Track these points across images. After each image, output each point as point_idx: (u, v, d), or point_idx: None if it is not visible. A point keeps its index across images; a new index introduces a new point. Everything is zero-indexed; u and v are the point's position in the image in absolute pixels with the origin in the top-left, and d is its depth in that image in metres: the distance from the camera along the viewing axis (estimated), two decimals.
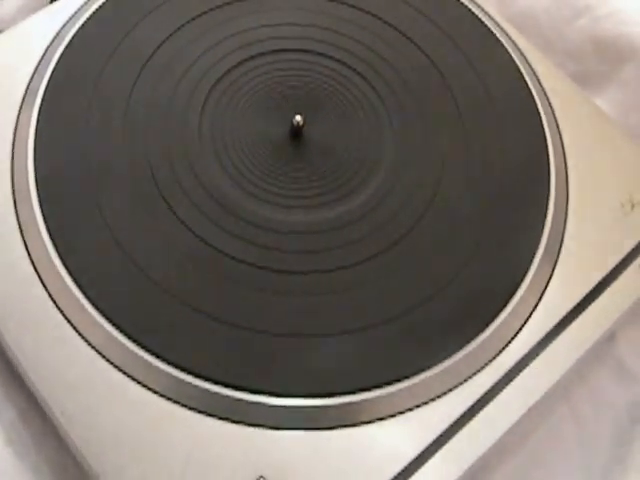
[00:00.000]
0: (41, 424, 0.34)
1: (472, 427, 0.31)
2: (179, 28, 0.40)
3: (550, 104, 0.40)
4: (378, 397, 0.31)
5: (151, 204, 0.35)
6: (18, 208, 0.34)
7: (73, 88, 0.37)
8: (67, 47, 0.38)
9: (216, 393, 0.31)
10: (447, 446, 0.31)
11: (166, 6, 0.41)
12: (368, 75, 0.40)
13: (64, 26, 0.39)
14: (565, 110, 0.40)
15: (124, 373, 0.31)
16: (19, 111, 0.37)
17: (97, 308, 0.32)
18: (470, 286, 0.34)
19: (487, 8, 0.43)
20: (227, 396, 0.31)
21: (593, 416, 0.38)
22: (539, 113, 0.39)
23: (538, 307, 0.34)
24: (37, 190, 0.34)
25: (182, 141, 0.37)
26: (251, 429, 0.30)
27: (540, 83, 0.41)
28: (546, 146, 0.38)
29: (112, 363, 0.31)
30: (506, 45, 0.42)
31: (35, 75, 0.38)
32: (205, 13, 0.41)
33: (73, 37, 0.39)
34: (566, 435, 0.37)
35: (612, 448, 0.37)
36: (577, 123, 0.40)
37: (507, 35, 0.42)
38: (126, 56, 0.39)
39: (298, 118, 0.37)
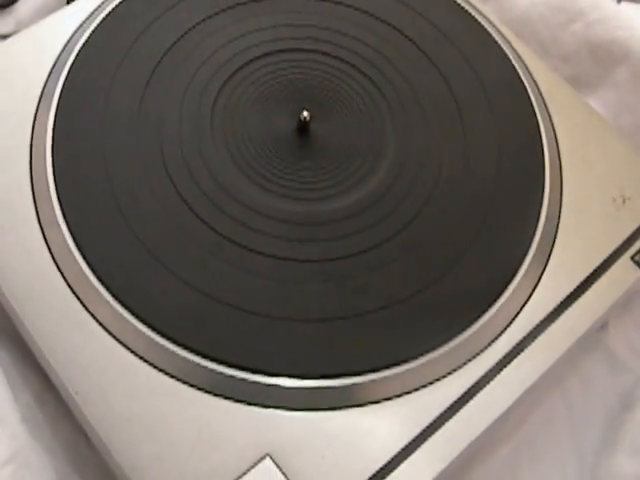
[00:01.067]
0: (56, 407, 0.34)
1: (468, 410, 0.32)
2: (191, 28, 0.40)
3: (545, 104, 0.40)
4: (379, 380, 0.31)
5: (163, 193, 0.35)
6: (37, 201, 0.35)
7: (89, 85, 0.38)
8: (83, 46, 0.39)
9: (225, 374, 0.31)
10: (443, 429, 0.31)
11: (179, 7, 0.41)
12: (372, 74, 0.40)
13: (80, 26, 0.40)
14: (560, 110, 0.40)
15: (137, 355, 0.31)
16: (37, 107, 0.37)
17: (112, 294, 0.32)
18: (468, 275, 0.35)
19: (486, 13, 0.44)
20: (235, 377, 0.31)
21: (584, 403, 0.38)
22: (535, 113, 0.40)
23: (532, 297, 0.35)
24: (55, 184, 0.35)
25: (195, 135, 0.37)
26: (258, 409, 0.30)
27: (536, 84, 0.41)
28: (541, 144, 0.39)
29: (126, 346, 0.31)
30: (504, 48, 0.42)
31: (53, 72, 0.38)
32: (217, 14, 0.41)
33: (89, 37, 0.39)
34: (559, 421, 0.37)
35: (603, 433, 0.37)
36: (571, 122, 0.40)
37: (505, 39, 0.43)
38: (140, 54, 0.39)
39: (305, 114, 0.37)
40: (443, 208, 0.36)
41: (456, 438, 0.31)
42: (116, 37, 0.39)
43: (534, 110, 0.40)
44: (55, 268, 0.33)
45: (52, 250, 0.33)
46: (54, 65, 0.38)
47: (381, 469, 0.30)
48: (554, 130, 0.40)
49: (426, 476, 0.30)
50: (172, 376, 0.31)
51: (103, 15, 0.40)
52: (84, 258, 0.33)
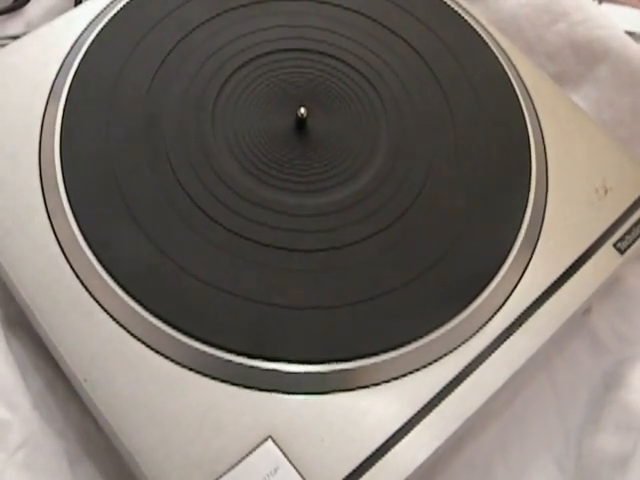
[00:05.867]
0: (66, 393, 0.33)
1: (460, 392, 0.31)
2: (194, 29, 0.38)
3: (531, 100, 0.39)
4: (376, 364, 0.30)
5: (167, 187, 0.34)
6: (45, 195, 0.33)
7: (96, 82, 0.36)
8: (90, 46, 0.37)
9: (228, 360, 0.30)
10: (438, 409, 0.30)
11: (182, 9, 0.39)
12: (366, 72, 0.39)
13: (88, 27, 0.38)
14: (545, 105, 0.39)
15: (143, 343, 0.30)
16: (46, 104, 0.35)
17: (119, 284, 0.31)
18: (459, 263, 0.33)
19: (475, 14, 0.42)
20: (238, 363, 0.30)
21: (569, 383, 0.37)
22: (521, 108, 0.38)
23: (520, 283, 0.33)
24: (63, 177, 0.33)
25: (196, 131, 0.35)
26: (260, 393, 0.29)
27: (522, 81, 0.40)
28: (528, 138, 0.37)
29: (132, 334, 0.30)
30: (492, 47, 0.40)
31: (61, 71, 0.36)
32: (218, 15, 0.39)
33: (96, 37, 0.37)
34: (545, 400, 0.37)
35: (586, 412, 0.36)
36: (555, 117, 0.39)
37: (493, 38, 0.41)
38: (145, 53, 0.37)
39: (302, 110, 0.36)
40: (435, 199, 0.35)
41: (450, 418, 0.30)
42: (121, 38, 0.38)
43: (520, 105, 0.38)
44: (64, 260, 0.31)
45: (60, 242, 0.32)
46: (63, 64, 0.37)
47: (379, 448, 0.29)
48: (539, 124, 0.38)
49: (422, 454, 0.29)
50: (177, 362, 0.30)
51: (109, 17, 0.38)
52: (91, 250, 0.31)
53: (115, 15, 0.38)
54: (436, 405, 0.30)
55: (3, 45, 0.40)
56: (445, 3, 0.42)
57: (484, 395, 0.31)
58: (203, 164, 0.35)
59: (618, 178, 0.37)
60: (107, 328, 0.30)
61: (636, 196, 0.37)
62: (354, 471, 0.28)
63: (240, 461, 0.28)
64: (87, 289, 0.31)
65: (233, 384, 0.29)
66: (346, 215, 0.34)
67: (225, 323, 0.30)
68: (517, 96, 0.39)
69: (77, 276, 0.31)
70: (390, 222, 0.34)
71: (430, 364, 0.31)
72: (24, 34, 0.39)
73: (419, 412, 0.30)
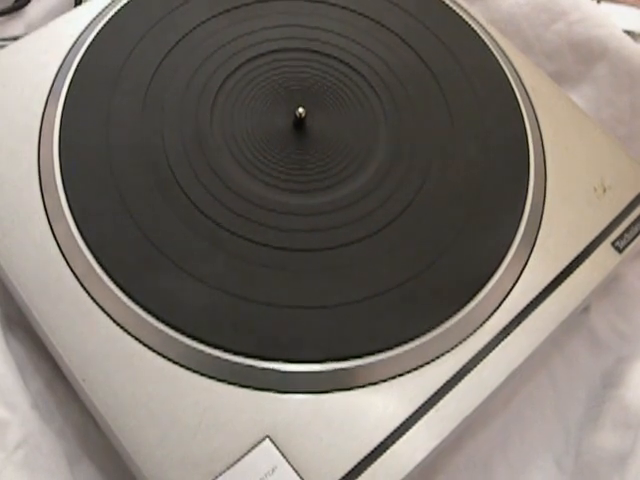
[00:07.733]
0: (66, 392, 0.32)
1: (459, 390, 0.30)
2: (193, 29, 0.38)
3: (530, 99, 0.39)
4: (374, 363, 0.30)
5: (166, 187, 0.33)
6: (44, 195, 0.33)
7: (95, 83, 0.36)
8: (89, 46, 0.37)
9: (226, 360, 0.29)
10: (436, 407, 0.30)
11: (181, 9, 0.39)
12: (365, 72, 0.38)
13: (87, 27, 0.38)
14: (543, 104, 0.38)
15: (141, 342, 0.29)
16: (45, 105, 0.35)
17: (117, 284, 0.30)
18: (458, 262, 0.33)
19: (474, 13, 0.42)
20: (236, 362, 0.29)
21: (568, 381, 0.37)
22: (519, 106, 0.38)
23: (518, 281, 0.33)
24: (62, 178, 0.33)
25: (195, 131, 0.35)
26: (258, 393, 0.29)
27: (521, 80, 0.39)
28: (526, 137, 0.37)
29: (130, 334, 0.30)
30: (490, 46, 0.40)
31: (60, 71, 0.36)
32: (217, 15, 0.39)
33: (95, 37, 0.37)
34: (545, 398, 0.36)
35: (586, 409, 0.36)
36: (554, 116, 0.38)
37: (491, 37, 0.41)
38: (143, 55, 0.37)
39: (300, 110, 0.36)
40: (434, 198, 0.35)
41: (449, 416, 0.30)
42: (121, 38, 0.37)
43: (519, 104, 0.38)
44: (62, 260, 0.31)
45: (59, 243, 0.32)
46: (62, 64, 0.36)
47: (377, 447, 0.29)
48: (538, 123, 0.38)
49: (420, 453, 0.29)
50: (175, 362, 0.29)
51: (109, 17, 0.38)
52: (90, 250, 0.31)
53: (115, 15, 0.38)
54: (435, 404, 0.30)
55: (3, 45, 0.39)
56: (444, 2, 0.41)
57: (483, 393, 0.30)
58: (202, 164, 0.34)
59: (616, 177, 0.37)
60: (105, 328, 0.30)
61: (634, 195, 0.37)
62: (352, 470, 0.28)
63: (238, 460, 0.28)
64: (86, 289, 0.30)
65: (231, 383, 0.29)
66: (344, 214, 0.34)
67: (223, 323, 0.30)
68: (516, 95, 0.38)
69: (76, 276, 0.31)
70: (388, 221, 0.34)
71: (429, 363, 0.30)
72: (24, 35, 0.39)
73: (418, 411, 0.30)
